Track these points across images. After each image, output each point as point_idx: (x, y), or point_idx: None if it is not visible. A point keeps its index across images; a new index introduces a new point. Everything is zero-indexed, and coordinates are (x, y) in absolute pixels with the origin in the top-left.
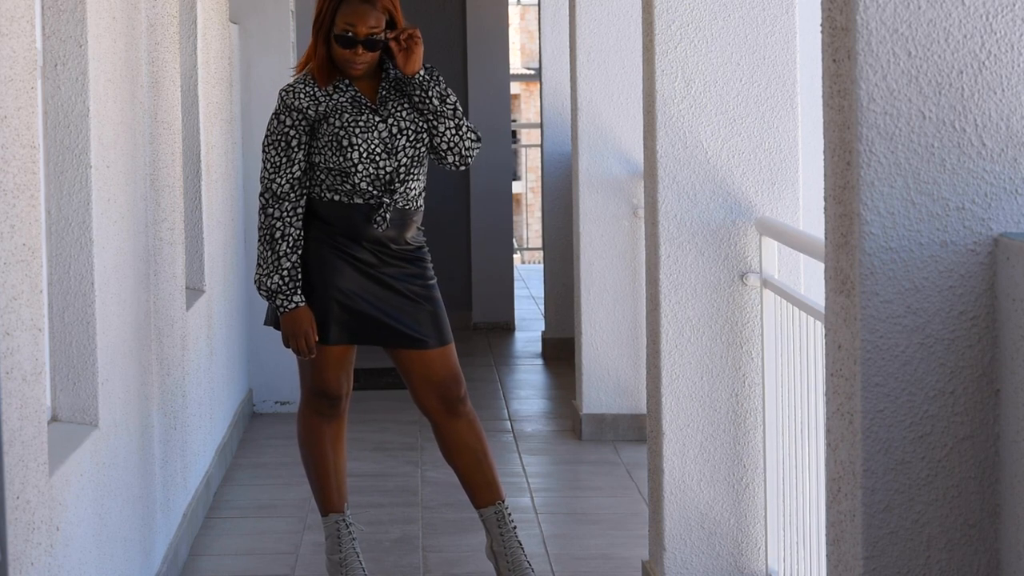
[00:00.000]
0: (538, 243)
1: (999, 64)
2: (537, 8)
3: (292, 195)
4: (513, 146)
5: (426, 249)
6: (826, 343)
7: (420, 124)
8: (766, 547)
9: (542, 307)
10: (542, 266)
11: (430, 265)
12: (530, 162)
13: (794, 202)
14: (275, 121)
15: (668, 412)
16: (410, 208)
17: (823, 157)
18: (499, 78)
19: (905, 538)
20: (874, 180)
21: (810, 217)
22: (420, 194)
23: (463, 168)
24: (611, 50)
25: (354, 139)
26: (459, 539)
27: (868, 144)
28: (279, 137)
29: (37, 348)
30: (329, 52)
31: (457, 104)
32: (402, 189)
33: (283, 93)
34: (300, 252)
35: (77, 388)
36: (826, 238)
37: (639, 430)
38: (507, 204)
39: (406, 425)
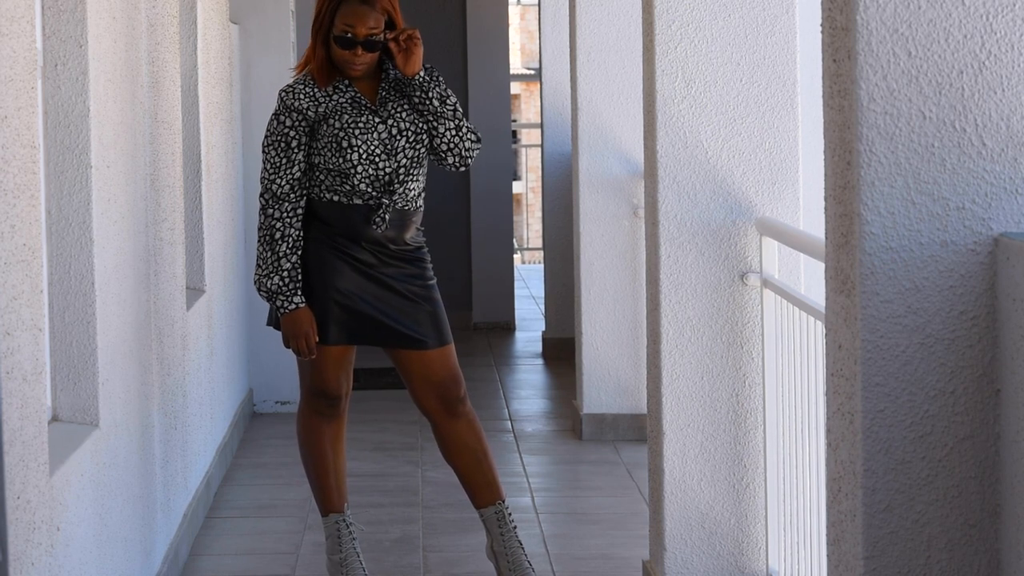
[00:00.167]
0: (538, 243)
1: (999, 64)
2: (537, 8)
3: (292, 196)
4: (513, 146)
5: (425, 250)
6: (826, 343)
7: (420, 125)
8: (767, 547)
9: (542, 307)
10: (542, 266)
11: (429, 265)
12: (530, 162)
13: (794, 202)
14: (275, 122)
15: (668, 412)
16: (409, 209)
17: (823, 157)
18: (499, 78)
19: (905, 538)
20: (874, 180)
21: (810, 217)
22: (419, 195)
23: (463, 169)
24: (611, 50)
25: (354, 140)
26: (459, 539)
27: (868, 144)
28: (279, 138)
29: (37, 348)
30: (328, 53)
31: (457, 105)
32: (401, 190)
33: (283, 94)
34: (300, 253)
35: (77, 388)
36: (826, 238)
37: (639, 430)
38: (507, 204)
39: (406, 425)
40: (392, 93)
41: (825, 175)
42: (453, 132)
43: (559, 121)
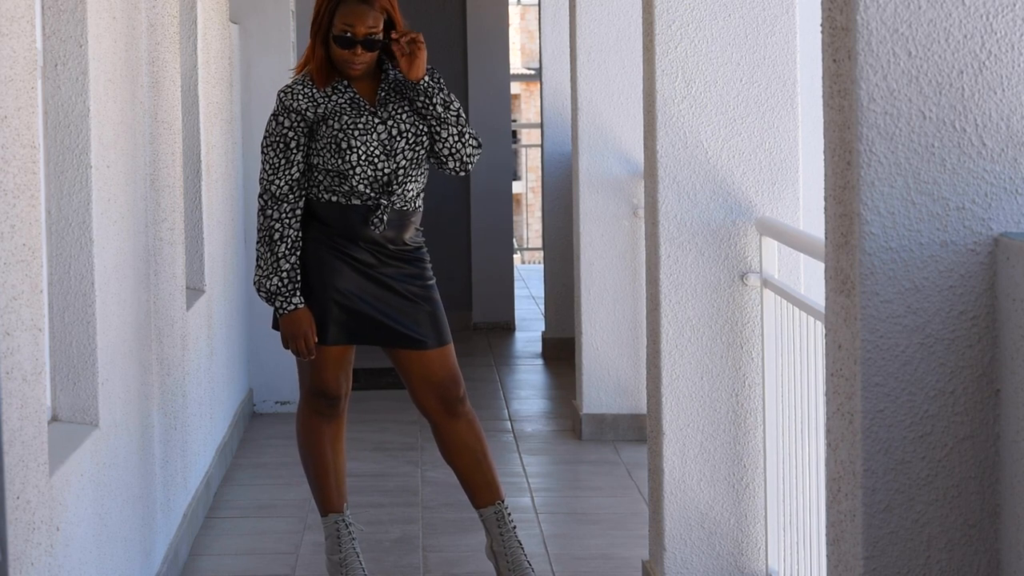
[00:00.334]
0: (538, 243)
1: (999, 64)
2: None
3: (291, 196)
4: (513, 146)
5: (425, 250)
6: (826, 343)
7: (420, 127)
8: (766, 547)
9: (542, 307)
10: (542, 266)
11: (429, 265)
12: (530, 162)
13: (794, 202)
14: (273, 122)
15: (668, 412)
16: (408, 209)
17: (823, 157)
18: (499, 78)
19: (905, 538)
20: (874, 180)
21: (810, 217)
22: (418, 195)
23: (463, 174)
24: (611, 50)
25: (353, 141)
26: (459, 539)
27: (868, 144)
28: (277, 139)
29: (37, 348)
30: (327, 53)
31: (460, 110)
32: (400, 191)
33: (281, 94)
34: (299, 253)
35: (77, 388)
36: (826, 238)
37: (639, 430)
38: (507, 204)
39: (406, 425)
40: (392, 94)
41: (825, 175)
42: (456, 138)
43: (559, 121)
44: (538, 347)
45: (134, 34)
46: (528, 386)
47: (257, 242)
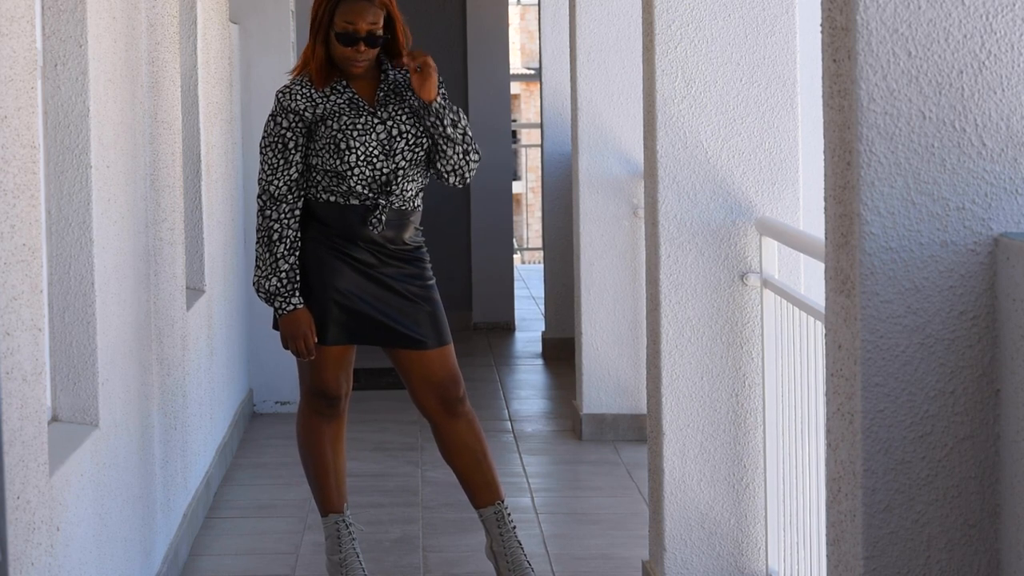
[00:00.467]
0: (538, 243)
1: (999, 64)
2: (537, 8)
3: (289, 197)
4: (513, 146)
5: (425, 249)
6: (826, 343)
7: (420, 128)
8: (766, 547)
9: (542, 307)
10: (542, 266)
11: (429, 265)
12: (530, 162)
13: (794, 202)
14: (271, 123)
15: (668, 412)
16: (407, 208)
17: (823, 157)
18: (499, 78)
19: (905, 538)
20: (874, 180)
21: (810, 217)
22: (417, 194)
23: (461, 187)
24: (611, 50)
25: (351, 142)
26: (459, 539)
27: (868, 144)
28: (276, 139)
29: (37, 348)
30: (328, 53)
31: (467, 127)
32: (399, 191)
33: (279, 95)
34: (298, 253)
35: (77, 388)
36: (826, 238)
37: (639, 430)
38: (507, 204)
39: (406, 425)
40: (391, 95)
41: (825, 175)
42: (460, 156)
43: (559, 121)
44: (538, 347)
45: (134, 34)
46: (528, 386)
47: (256, 242)
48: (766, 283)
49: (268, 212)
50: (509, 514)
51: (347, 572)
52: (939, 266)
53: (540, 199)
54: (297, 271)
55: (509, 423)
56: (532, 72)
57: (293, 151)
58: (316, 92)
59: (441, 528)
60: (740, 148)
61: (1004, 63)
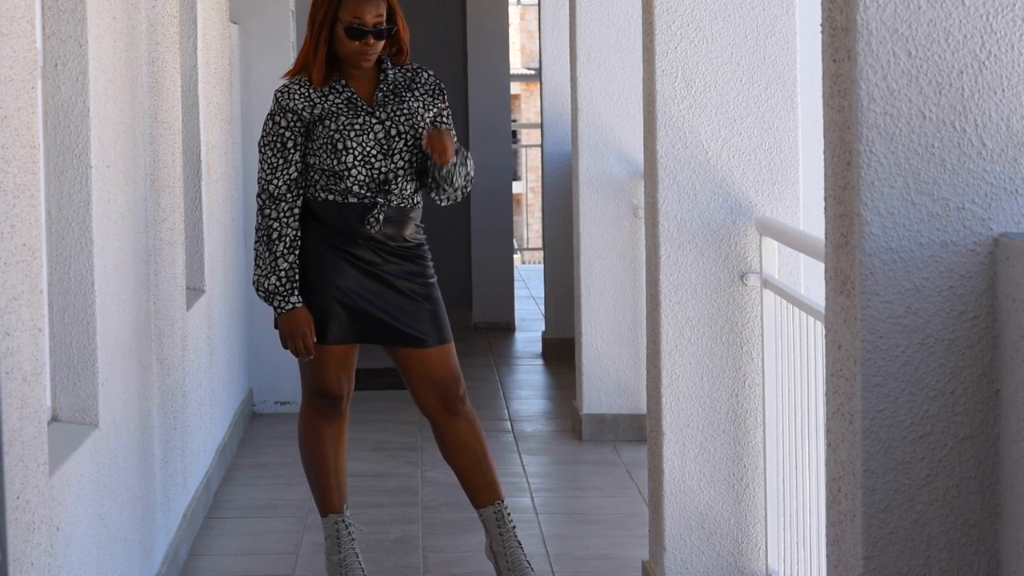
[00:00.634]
0: (538, 243)
1: (999, 64)
2: (537, 8)
3: (289, 196)
4: (513, 146)
5: (426, 247)
6: (826, 343)
7: (419, 129)
8: (766, 547)
9: (542, 307)
10: (542, 266)
11: (430, 264)
12: (530, 162)
13: (794, 202)
14: (270, 122)
15: (668, 412)
16: (406, 206)
17: (823, 157)
18: (499, 78)
19: (905, 538)
20: (874, 180)
21: (810, 217)
22: (417, 192)
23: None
24: (611, 50)
25: (349, 142)
26: (459, 539)
27: (868, 144)
28: (275, 138)
29: (37, 348)
30: (329, 52)
31: (471, 169)
32: (398, 190)
33: (278, 94)
34: (297, 252)
35: (77, 388)
36: (826, 238)
37: (639, 430)
38: (507, 204)
39: (406, 425)
40: (391, 95)
41: (825, 175)
42: (460, 194)
43: (559, 121)
44: (538, 347)
45: (134, 34)
46: (528, 386)
47: (255, 241)
48: (766, 283)
49: (267, 211)
50: (509, 514)
51: (347, 572)
52: (939, 266)
53: (540, 199)
54: (296, 270)
55: (509, 423)
56: (532, 72)
57: (292, 150)
58: (315, 92)
59: (441, 528)
60: (740, 148)
61: (1004, 63)
